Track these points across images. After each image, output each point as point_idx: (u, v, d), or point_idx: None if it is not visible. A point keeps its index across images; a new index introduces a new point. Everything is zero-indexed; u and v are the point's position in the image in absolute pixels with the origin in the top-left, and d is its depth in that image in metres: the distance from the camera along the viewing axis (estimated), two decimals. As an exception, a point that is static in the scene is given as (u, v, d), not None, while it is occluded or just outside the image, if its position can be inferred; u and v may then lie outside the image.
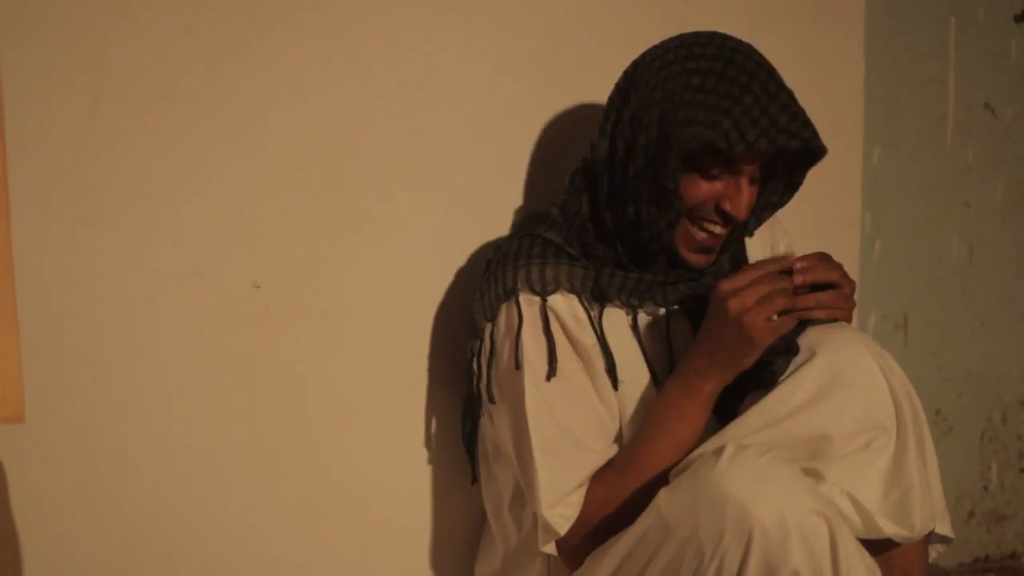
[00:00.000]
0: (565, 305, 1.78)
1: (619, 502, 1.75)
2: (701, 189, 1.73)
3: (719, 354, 1.69)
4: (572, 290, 1.78)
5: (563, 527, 1.76)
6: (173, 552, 1.89)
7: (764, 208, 1.84)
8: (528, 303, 1.78)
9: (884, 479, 1.68)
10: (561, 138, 2.03)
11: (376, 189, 1.98)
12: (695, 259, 1.79)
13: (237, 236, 1.88)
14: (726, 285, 1.65)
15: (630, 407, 1.81)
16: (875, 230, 2.60)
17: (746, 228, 1.85)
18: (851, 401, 1.66)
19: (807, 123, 1.71)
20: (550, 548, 1.78)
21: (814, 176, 2.44)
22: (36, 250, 1.74)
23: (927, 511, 1.69)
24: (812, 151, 1.76)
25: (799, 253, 1.99)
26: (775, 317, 1.64)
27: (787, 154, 1.78)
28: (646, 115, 1.72)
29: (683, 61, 1.73)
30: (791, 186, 1.83)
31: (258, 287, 1.90)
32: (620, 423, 1.82)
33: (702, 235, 1.76)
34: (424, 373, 2.03)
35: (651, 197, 1.73)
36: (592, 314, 1.79)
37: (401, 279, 2.01)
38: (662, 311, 1.83)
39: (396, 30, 1.98)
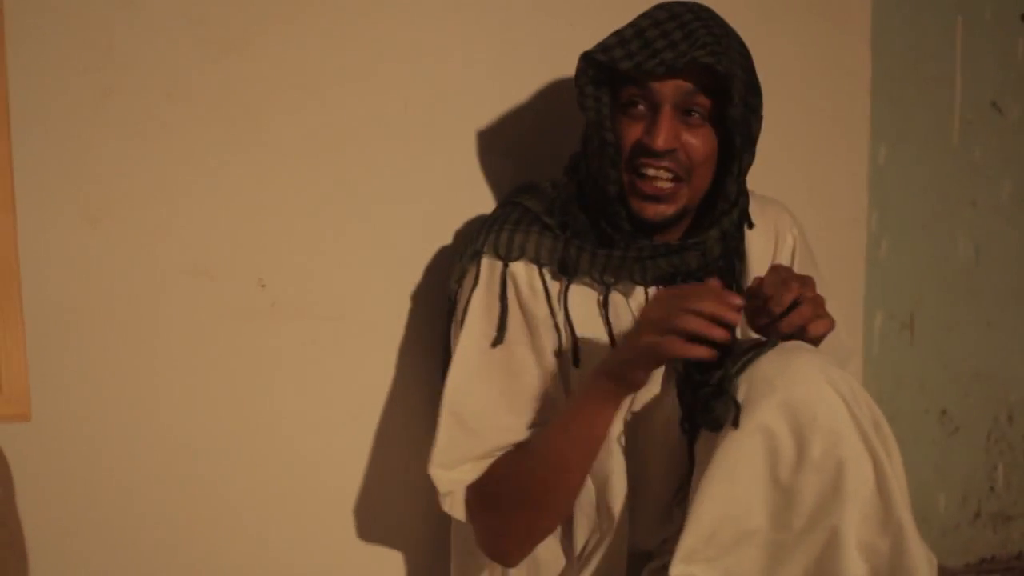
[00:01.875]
0: (525, 274, 1.78)
1: (518, 482, 1.74)
2: (628, 130, 1.73)
3: (618, 353, 1.67)
4: (536, 261, 1.77)
5: (444, 487, 1.77)
6: (179, 549, 1.88)
7: (736, 170, 1.78)
8: (489, 266, 1.78)
9: (874, 515, 1.55)
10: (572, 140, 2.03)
11: (382, 187, 1.98)
12: (646, 209, 1.74)
13: (243, 234, 1.88)
14: (657, 292, 1.63)
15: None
16: (881, 229, 2.59)
17: (688, 176, 1.75)
18: (813, 440, 1.54)
19: (706, 45, 1.69)
20: (456, 512, 1.79)
21: (820, 175, 2.45)
22: (41, 246, 1.73)
23: (922, 549, 1.58)
24: (719, 76, 1.71)
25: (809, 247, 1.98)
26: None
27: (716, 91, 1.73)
28: None
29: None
30: (738, 132, 1.76)
31: (264, 285, 1.90)
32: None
33: (644, 183, 1.73)
34: (433, 370, 2.02)
35: (595, 148, 1.74)
36: (550, 287, 1.77)
37: (407, 276, 2.01)
38: (639, 291, 1.80)
39: (402, 28, 1.98)
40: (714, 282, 1.60)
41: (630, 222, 1.77)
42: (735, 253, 1.86)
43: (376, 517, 2.04)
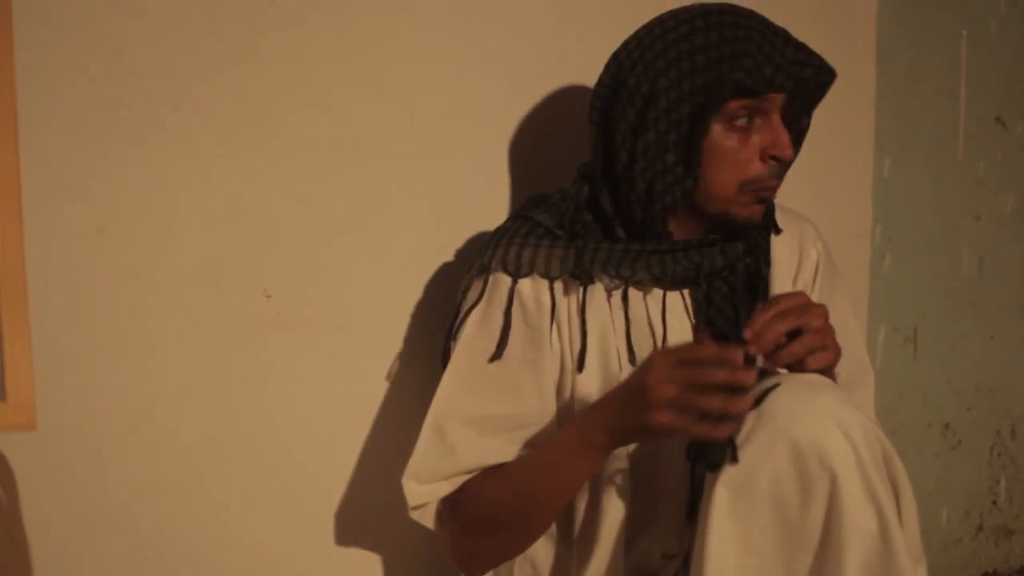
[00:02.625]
0: (532, 290, 1.75)
1: (491, 506, 1.73)
2: (743, 145, 1.70)
3: (620, 416, 1.60)
4: (546, 275, 1.75)
5: (414, 500, 1.77)
6: (185, 559, 1.89)
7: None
8: (497, 282, 1.76)
9: (878, 563, 1.53)
10: (582, 148, 2.03)
11: (389, 197, 1.98)
12: (756, 213, 1.74)
13: (249, 244, 1.89)
14: (657, 355, 1.55)
15: (593, 389, 1.76)
16: (885, 242, 2.60)
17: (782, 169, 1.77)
18: (817, 486, 1.52)
19: (813, 53, 1.72)
20: (425, 521, 1.80)
21: (824, 188, 2.46)
22: (48, 255, 1.74)
23: None
24: (822, 83, 1.75)
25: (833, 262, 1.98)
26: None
27: (799, 94, 1.76)
28: (649, 85, 1.70)
29: (676, 28, 1.72)
30: (800, 133, 1.81)
31: (269, 296, 1.90)
32: (576, 406, 1.76)
33: (761, 190, 1.71)
34: (438, 380, 2.02)
35: (667, 166, 1.70)
36: (558, 300, 1.74)
37: (413, 287, 2.01)
38: (658, 292, 1.77)
39: (410, 38, 1.99)
40: (708, 343, 1.54)
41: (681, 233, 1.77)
42: (761, 253, 1.83)
43: (378, 528, 2.04)
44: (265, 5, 1.86)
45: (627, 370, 1.75)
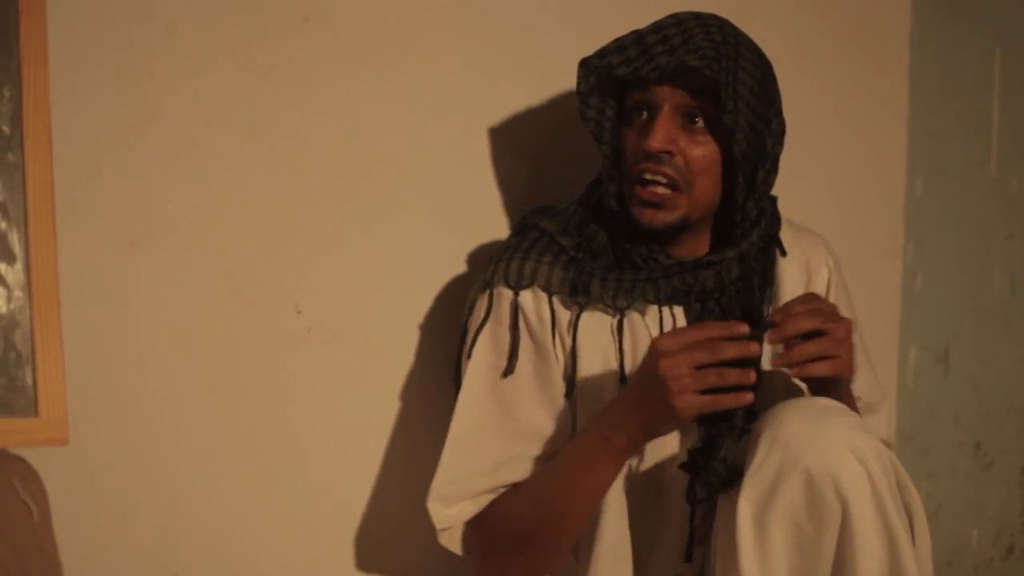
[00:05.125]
0: (533, 304, 1.76)
1: (517, 524, 1.74)
2: (629, 138, 1.73)
3: (639, 412, 1.61)
4: (546, 289, 1.75)
5: (441, 523, 1.77)
6: (214, 572, 1.89)
7: (740, 180, 1.73)
8: (499, 297, 1.77)
9: None
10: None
11: (420, 214, 1.98)
12: (644, 215, 1.71)
13: (280, 259, 1.89)
14: (662, 343, 1.56)
15: (587, 411, 1.75)
16: (917, 261, 2.58)
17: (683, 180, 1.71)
18: (829, 515, 1.53)
19: (699, 49, 1.66)
20: (453, 547, 1.80)
21: (857, 207, 2.45)
22: (81, 270, 1.74)
23: None
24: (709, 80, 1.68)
25: (845, 283, 1.97)
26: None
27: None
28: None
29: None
30: (735, 140, 1.71)
31: (300, 311, 1.90)
32: (571, 426, 1.77)
33: (642, 189, 1.70)
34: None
35: (604, 166, 1.76)
36: (558, 316, 1.75)
37: (444, 303, 2.01)
38: (654, 309, 1.76)
39: (441, 54, 1.99)
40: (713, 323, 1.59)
41: (634, 233, 1.75)
42: (761, 277, 1.80)
43: (408, 544, 2.04)
44: (299, 21, 1.87)
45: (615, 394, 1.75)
